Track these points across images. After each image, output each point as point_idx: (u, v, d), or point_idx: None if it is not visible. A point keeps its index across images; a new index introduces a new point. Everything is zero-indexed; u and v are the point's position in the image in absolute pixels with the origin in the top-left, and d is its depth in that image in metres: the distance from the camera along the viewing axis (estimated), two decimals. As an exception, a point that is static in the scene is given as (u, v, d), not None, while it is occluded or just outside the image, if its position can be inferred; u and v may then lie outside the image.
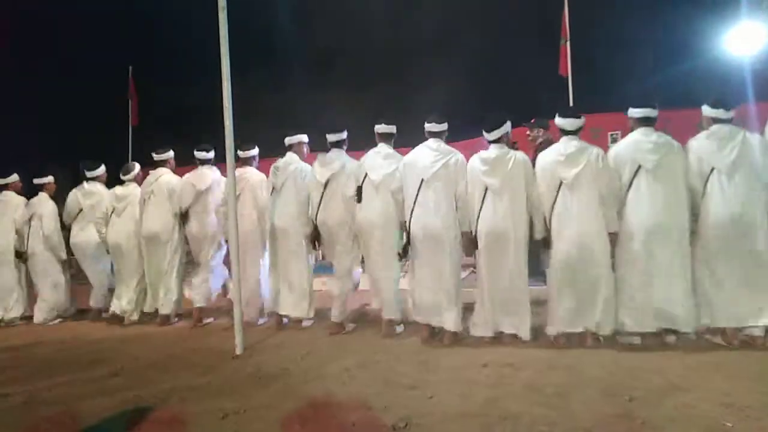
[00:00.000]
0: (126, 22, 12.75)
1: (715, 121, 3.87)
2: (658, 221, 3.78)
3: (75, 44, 12.60)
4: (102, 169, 6.10)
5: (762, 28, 6.60)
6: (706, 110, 3.93)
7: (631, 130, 4.03)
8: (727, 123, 3.86)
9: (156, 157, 5.72)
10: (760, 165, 3.75)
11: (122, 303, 5.62)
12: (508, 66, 11.75)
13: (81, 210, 5.92)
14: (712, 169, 3.78)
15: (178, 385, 3.52)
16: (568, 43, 8.96)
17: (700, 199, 3.83)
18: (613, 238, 3.92)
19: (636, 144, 3.91)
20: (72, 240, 5.99)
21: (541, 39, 10.10)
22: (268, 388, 3.40)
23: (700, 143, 3.88)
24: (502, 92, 10.51)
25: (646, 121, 3.96)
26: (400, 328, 4.60)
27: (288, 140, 5.13)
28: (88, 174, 6.01)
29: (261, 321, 5.20)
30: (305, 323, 4.98)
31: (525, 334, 4.05)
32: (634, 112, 4.00)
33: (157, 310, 5.53)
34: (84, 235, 5.90)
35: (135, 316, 5.59)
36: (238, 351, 4.17)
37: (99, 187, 5.97)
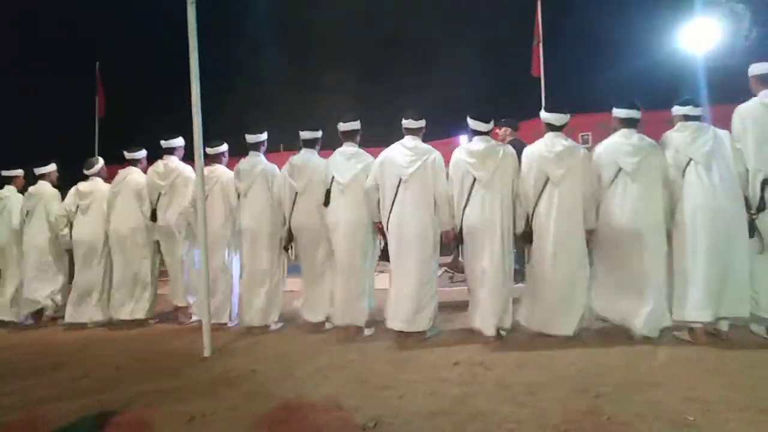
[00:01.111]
0: (94, 17, 12.45)
1: (686, 118, 3.96)
2: (635, 223, 3.83)
3: (42, 40, 12.28)
4: (52, 167, 5.94)
5: (716, 25, 6.66)
6: (677, 109, 4.02)
7: (614, 131, 4.08)
8: (697, 119, 3.96)
9: (128, 155, 5.56)
10: (731, 158, 3.83)
11: (86, 307, 5.43)
12: (480, 66, 11.84)
13: (29, 212, 5.74)
14: (689, 161, 3.85)
15: (144, 389, 3.44)
16: (541, 44, 9.07)
17: (679, 190, 3.87)
18: (590, 236, 3.99)
19: (616, 146, 3.97)
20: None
21: (514, 40, 10.19)
22: (236, 390, 3.34)
23: (674, 136, 3.96)
24: (475, 92, 10.57)
25: (628, 123, 4.01)
26: (369, 332, 4.52)
27: (251, 139, 4.98)
28: (37, 171, 5.87)
29: (231, 324, 5.09)
30: (272, 327, 4.88)
31: (505, 326, 4.06)
32: (618, 113, 4.05)
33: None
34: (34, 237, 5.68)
35: (100, 317, 5.42)
36: (206, 353, 4.09)
37: (45, 187, 5.81)
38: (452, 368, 3.54)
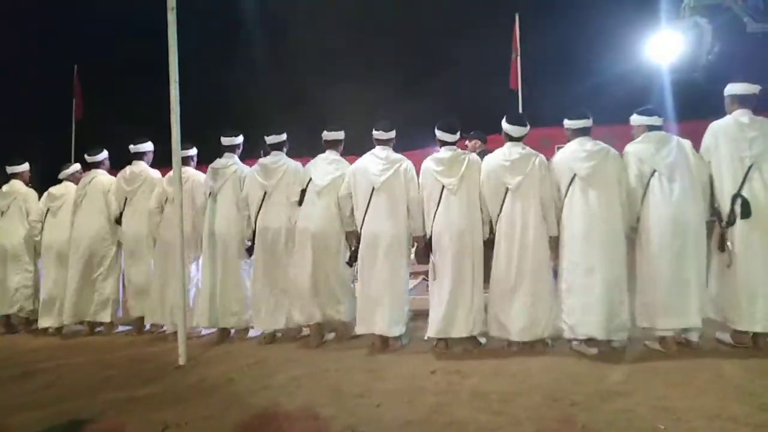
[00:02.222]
0: (73, 18, 12.29)
1: (650, 128, 4.06)
2: (592, 227, 3.90)
3: (19, 41, 12.06)
4: (24, 166, 5.86)
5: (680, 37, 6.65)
6: (639, 119, 4.12)
7: (568, 141, 4.18)
8: (659, 129, 4.06)
9: (89, 158, 5.50)
10: (694, 168, 3.94)
11: (56, 312, 5.32)
12: (459, 78, 11.98)
13: (2, 212, 5.63)
14: (653, 171, 3.93)
15: (117, 397, 3.38)
16: (519, 57, 9.22)
17: (641, 201, 3.96)
18: (553, 243, 4.06)
19: (572, 153, 4.06)
20: None
21: (493, 52, 10.34)
22: (211, 398, 3.31)
23: (638, 147, 4.05)
24: (453, 104, 10.68)
25: (581, 132, 4.12)
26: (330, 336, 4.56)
27: (226, 141, 4.93)
28: (9, 170, 5.77)
29: (205, 332, 5.01)
30: (251, 333, 4.84)
31: (478, 332, 4.10)
32: (570, 124, 4.16)
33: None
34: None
35: (70, 321, 5.28)
36: (181, 361, 4.03)
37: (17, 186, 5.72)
38: (429, 377, 3.55)
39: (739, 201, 3.82)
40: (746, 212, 3.79)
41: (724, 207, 3.89)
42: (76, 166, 5.73)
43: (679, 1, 6.59)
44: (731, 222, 3.85)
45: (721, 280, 3.92)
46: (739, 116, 3.92)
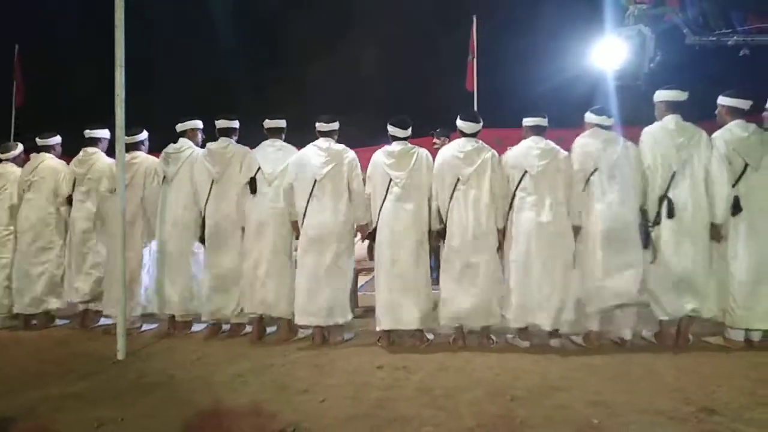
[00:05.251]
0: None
1: (600, 127, 4.21)
2: (539, 223, 4.03)
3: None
4: None
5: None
6: (591, 117, 4.25)
7: (524, 138, 4.30)
8: (609, 129, 4.22)
9: (40, 142, 5.21)
10: (636, 170, 4.11)
11: None
12: (415, 79, 12.07)
13: None
14: (595, 169, 4.09)
15: (50, 393, 3.25)
16: (475, 59, 9.35)
17: (579, 196, 4.10)
18: (500, 235, 4.17)
19: (525, 150, 4.19)
20: None
21: (450, 54, 10.47)
22: (150, 395, 3.22)
23: (586, 141, 4.20)
24: (410, 104, 10.75)
25: (536, 130, 4.25)
26: (304, 332, 4.50)
27: (180, 127, 4.82)
28: None
29: (147, 327, 4.86)
30: (195, 327, 4.73)
31: (424, 325, 4.16)
32: (526, 121, 4.30)
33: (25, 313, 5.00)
34: None
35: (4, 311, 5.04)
36: (120, 356, 3.91)
37: None
38: (375, 372, 3.57)
39: (665, 202, 4.03)
40: (671, 212, 4.02)
41: (652, 208, 4.10)
42: (20, 148, 5.44)
43: (625, 9, 6.78)
44: (657, 222, 4.06)
45: (649, 275, 4.10)
46: (669, 122, 4.14)
